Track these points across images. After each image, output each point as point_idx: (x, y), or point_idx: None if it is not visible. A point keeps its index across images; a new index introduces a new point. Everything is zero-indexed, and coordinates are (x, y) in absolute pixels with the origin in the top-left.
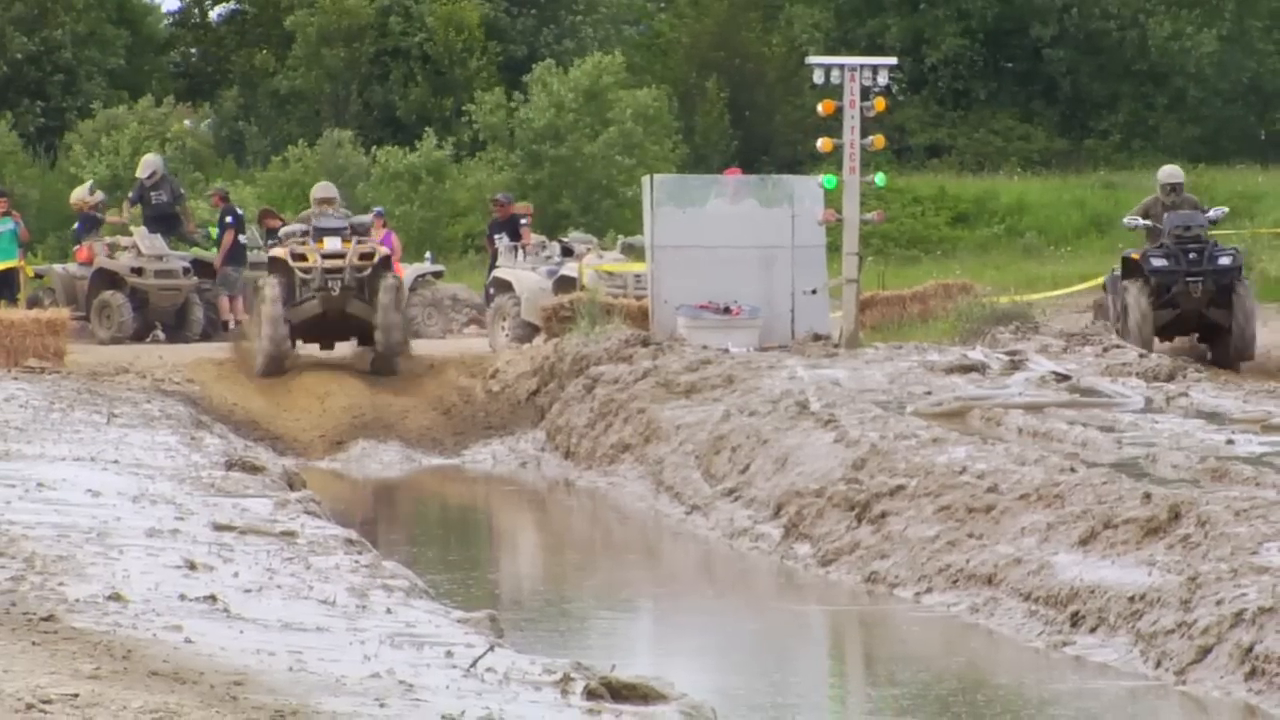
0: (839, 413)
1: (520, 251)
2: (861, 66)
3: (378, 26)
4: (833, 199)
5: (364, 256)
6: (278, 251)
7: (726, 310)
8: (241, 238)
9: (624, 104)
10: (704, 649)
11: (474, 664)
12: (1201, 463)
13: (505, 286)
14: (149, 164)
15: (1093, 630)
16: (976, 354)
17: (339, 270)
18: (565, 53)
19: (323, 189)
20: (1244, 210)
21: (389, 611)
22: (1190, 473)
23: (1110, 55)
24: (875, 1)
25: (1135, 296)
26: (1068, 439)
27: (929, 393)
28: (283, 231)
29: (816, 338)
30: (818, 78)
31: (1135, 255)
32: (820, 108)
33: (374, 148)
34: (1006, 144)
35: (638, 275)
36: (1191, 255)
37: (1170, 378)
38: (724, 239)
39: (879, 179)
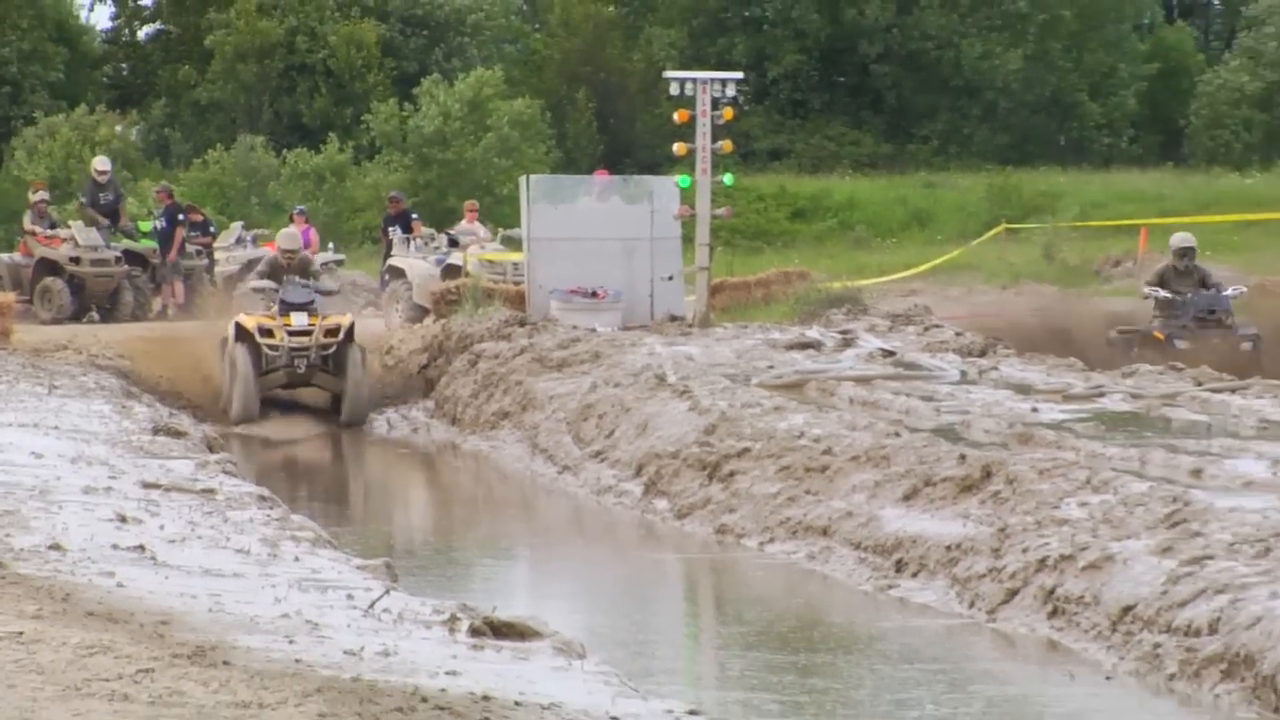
0: (692, 384)
1: (411, 243)
2: (712, 80)
3: (286, 45)
4: (687, 196)
5: (329, 333)
6: (246, 322)
7: (594, 294)
8: (182, 231)
9: (502, 113)
10: (574, 592)
11: (372, 605)
12: (1010, 428)
13: (399, 273)
14: (105, 162)
15: (915, 575)
16: (813, 333)
17: (305, 348)
18: (452, 69)
19: (287, 239)
20: (1046, 207)
21: (297, 559)
22: (1000, 437)
23: (929, 71)
24: (723, 23)
25: None
26: (893, 407)
27: (771, 367)
28: (251, 285)
29: (673, 318)
30: (674, 90)
31: (1160, 335)
32: (676, 116)
33: (284, 151)
34: (839, 148)
35: (516, 264)
36: (1215, 340)
37: (983, 353)
38: (591, 232)
39: (727, 179)
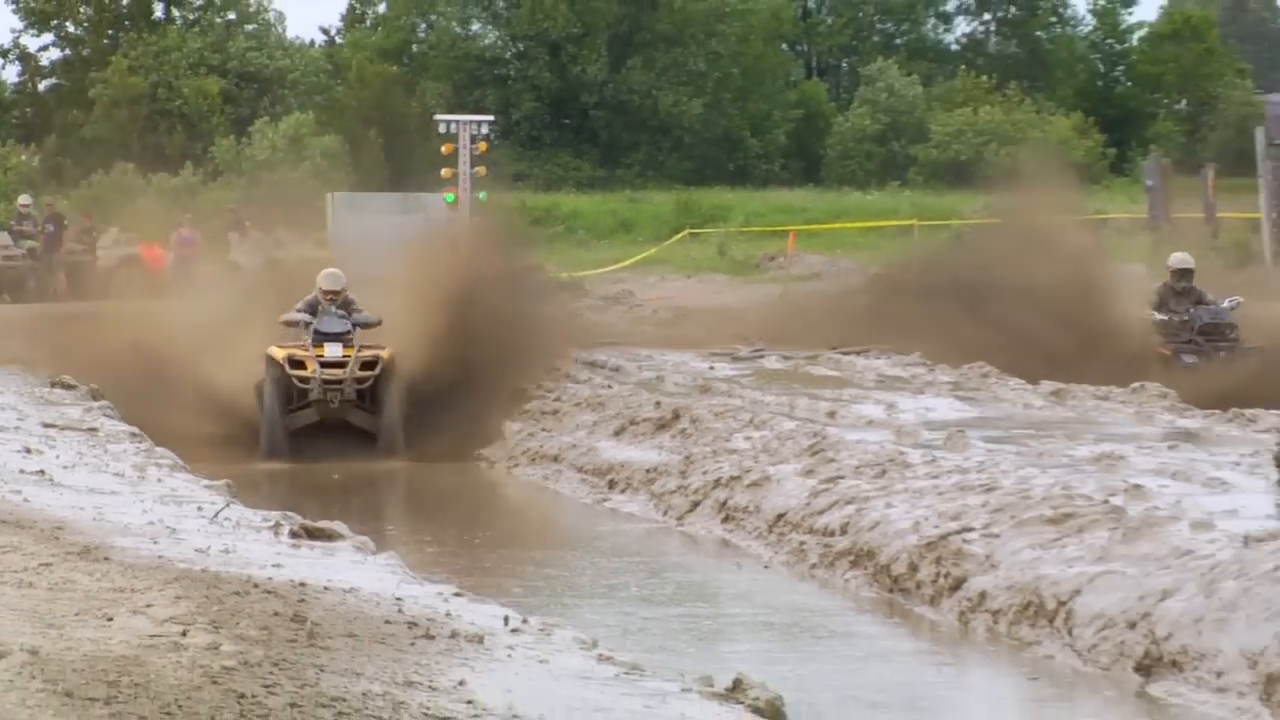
0: None
1: (244, 243)
2: (470, 121)
3: (150, 95)
4: (452, 209)
5: (366, 365)
6: (275, 353)
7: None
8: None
9: (314, 146)
10: (368, 505)
11: (216, 515)
12: (693, 382)
13: (235, 266)
14: (26, 198)
15: (623, 491)
16: None
17: (338, 382)
18: (276, 113)
19: (329, 279)
20: (720, 216)
21: (160, 480)
22: (686, 389)
23: (633, 115)
24: (479, 78)
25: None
26: (607, 365)
27: None
28: (284, 318)
29: None
30: (442, 129)
31: (1167, 351)
32: (444, 149)
33: (150, 175)
34: (565, 173)
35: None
36: (1222, 353)
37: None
38: (381, 235)
39: (481, 196)
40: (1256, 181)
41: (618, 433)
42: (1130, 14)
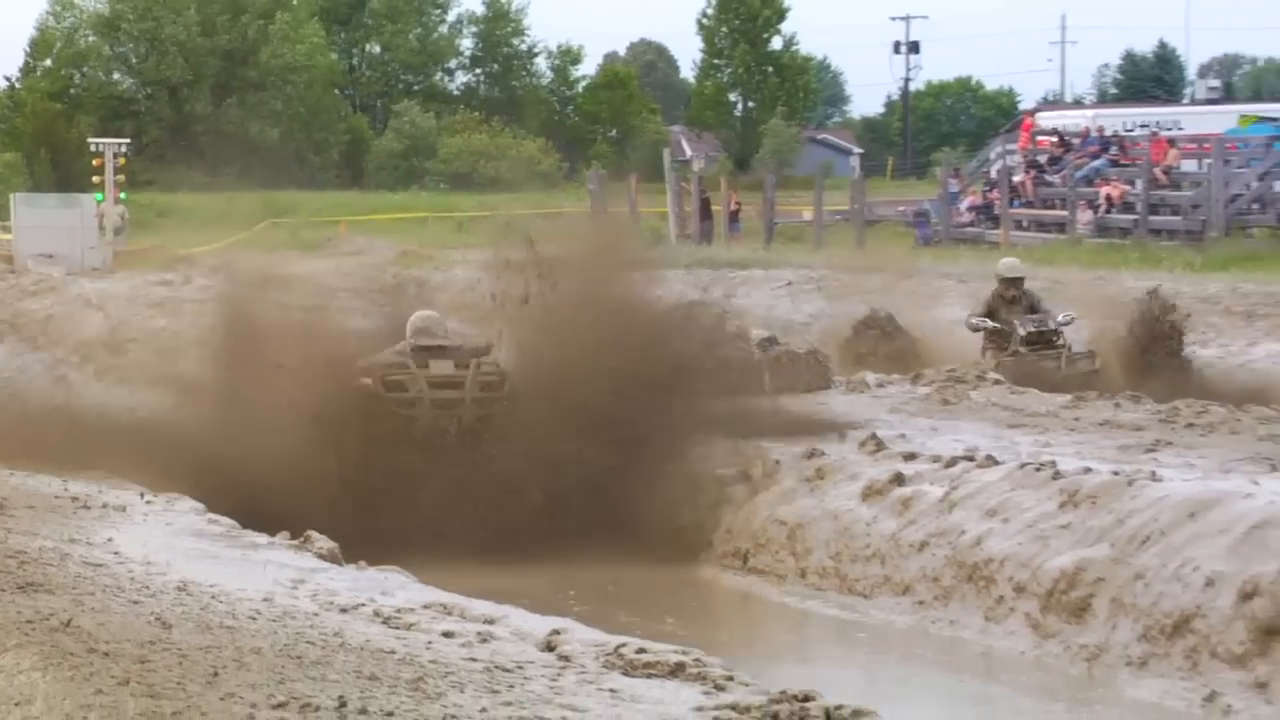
0: (106, 304)
1: None
2: (113, 143)
3: None
4: (100, 206)
5: (489, 386)
6: (365, 384)
7: (51, 256)
8: None
9: (5, 162)
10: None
11: None
12: None
13: None
14: None
15: None
16: (170, 276)
17: (454, 404)
18: None
19: (422, 321)
20: (292, 210)
21: None
22: None
23: (230, 139)
24: (118, 112)
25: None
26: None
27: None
28: (364, 362)
29: (94, 269)
30: (93, 148)
31: (992, 361)
32: (94, 163)
33: None
34: (181, 179)
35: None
36: (1049, 364)
37: None
38: (49, 223)
39: (123, 195)
40: (665, 186)
41: None
42: (577, 69)
